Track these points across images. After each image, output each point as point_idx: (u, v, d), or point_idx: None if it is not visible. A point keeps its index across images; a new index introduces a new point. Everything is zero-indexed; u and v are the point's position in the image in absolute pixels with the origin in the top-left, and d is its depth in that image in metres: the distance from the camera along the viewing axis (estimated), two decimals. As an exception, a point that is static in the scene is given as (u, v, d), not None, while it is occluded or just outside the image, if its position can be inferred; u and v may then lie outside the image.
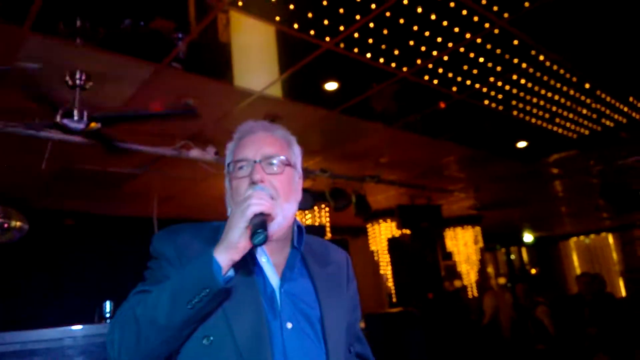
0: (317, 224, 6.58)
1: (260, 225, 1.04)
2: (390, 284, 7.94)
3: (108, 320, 3.72)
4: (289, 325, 1.14)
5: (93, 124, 2.91)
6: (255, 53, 3.29)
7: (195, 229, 1.23)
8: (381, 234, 7.99)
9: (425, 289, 4.63)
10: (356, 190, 5.62)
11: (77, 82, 2.95)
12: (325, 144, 5.02)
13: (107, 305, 3.73)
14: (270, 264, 1.20)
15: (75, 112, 2.90)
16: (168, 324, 1.01)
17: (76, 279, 5.93)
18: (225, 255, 1.04)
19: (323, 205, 6.69)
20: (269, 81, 3.52)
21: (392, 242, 5.47)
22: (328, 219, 6.82)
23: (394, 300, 7.98)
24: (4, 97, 3.26)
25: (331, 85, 3.64)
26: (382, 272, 8.05)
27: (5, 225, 4.75)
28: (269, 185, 1.17)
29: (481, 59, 3.43)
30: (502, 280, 12.24)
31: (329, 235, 6.53)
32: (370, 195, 6.03)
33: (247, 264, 1.14)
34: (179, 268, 1.11)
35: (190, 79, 3.35)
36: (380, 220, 7.99)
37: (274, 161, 1.21)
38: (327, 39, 2.99)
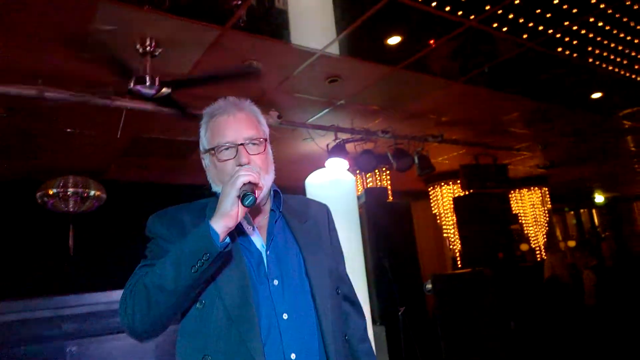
0: (378, 186, 6.54)
1: (248, 188, 1.16)
2: (454, 247, 7.82)
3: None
4: (275, 282, 1.26)
5: (164, 89, 2.98)
6: (315, 11, 3.24)
7: (182, 207, 1.36)
8: (443, 197, 7.84)
9: (494, 250, 4.50)
10: (418, 151, 5.49)
11: (148, 48, 3.03)
12: (387, 104, 4.91)
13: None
14: (255, 229, 1.32)
15: (147, 78, 2.98)
16: (175, 288, 1.14)
17: (143, 247, 6.26)
18: (221, 223, 1.15)
19: (384, 168, 6.62)
20: (330, 39, 3.46)
21: (457, 203, 5.34)
22: (389, 182, 6.76)
23: (459, 264, 7.88)
24: (80, 68, 3.41)
25: (394, 40, 3.52)
26: (445, 235, 7.94)
27: (85, 194, 5.06)
28: (253, 165, 1.28)
29: (555, 1, 3.18)
30: (571, 244, 11.75)
31: (390, 198, 6.48)
32: (432, 157, 5.88)
33: (232, 232, 1.22)
34: (176, 242, 1.23)
35: (252, 41, 3.35)
36: (443, 183, 7.83)
37: (256, 142, 1.32)
38: (392, -13, 2.87)
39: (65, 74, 3.46)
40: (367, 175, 6.54)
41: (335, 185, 5.30)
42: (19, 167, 5.56)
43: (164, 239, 1.28)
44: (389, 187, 6.65)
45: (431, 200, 8.07)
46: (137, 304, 1.16)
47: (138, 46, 3.07)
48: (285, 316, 1.23)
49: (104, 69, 3.30)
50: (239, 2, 2.93)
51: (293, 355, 1.20)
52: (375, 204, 5.56)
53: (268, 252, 1.30)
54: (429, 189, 8.08)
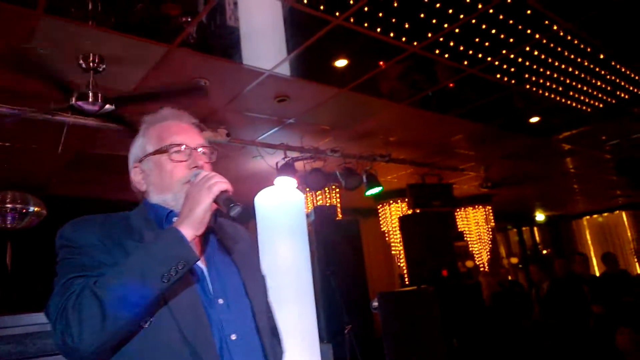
0: (327, 204, 6.62)
1: (230, 200, 1.10)
2: (402, 264, 8.00)
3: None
4: (220, 301, 1.20)
5: (107, 105, 2.94)
6: (264, 31, 3.30)
7: (104, 217, 1.25)
8: (392, 215, 8.03)
9: (438, 268, 4.66)
10: (367, 170, 5.63)
11: (91, 64, 2.99)
12: (335, 124, 5.02)
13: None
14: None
15: (90, 94, 2.93)
16: (140, 300, 1.03)
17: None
18: (191, 230, 1.09)
19: (334, 186, 6.73)
20: (278, 59, 3.53)
21: (403, 221, 5.50)
22: (339, 200, 6.86)
23: (407, 281, 8.05)
24: (20, 82, 3.31)
25: (341, 62, 3.63)
26: (393, 252, 8.11)
27: (24, 210, 4.85)
28: (207, 170, 1.24)
29: (493, 31, 3.40)
30: (514, 260, 12.26)
31: (339, 216, 6.57)
32: (380, 175, 6.04)
33: None
34: (108, 251, 1.13)
35: (200, 59, 3.36)
36: (391, 201, 8.02)
37: (206, 151, 1.30)
38: (337, 13, 2.98)
39: (5, 88, 3.35)
40: (317, 193, 6.62)
41: (284, 203, 5.34)
42: (-49, 182, 5.26)
43: (94, 247, 1.14)
44: (339, 205, 6.76)
45: (380, 218, 8.25)
46: (86, 320, 0.99)
47: (81, 62, 3.02)
48: (233, 337, 1.17)
49: (44, 83, 3.21)
50: (188, 20, 2.95)
51: None
52: (324, 221, 5.63)
53: (210, 270, 1.24)
54: (378, 207, 8.26)
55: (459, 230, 8.49)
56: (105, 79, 3.23)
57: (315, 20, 3.05)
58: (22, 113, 3.21)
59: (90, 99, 2.94)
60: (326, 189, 6.39)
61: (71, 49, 2.97)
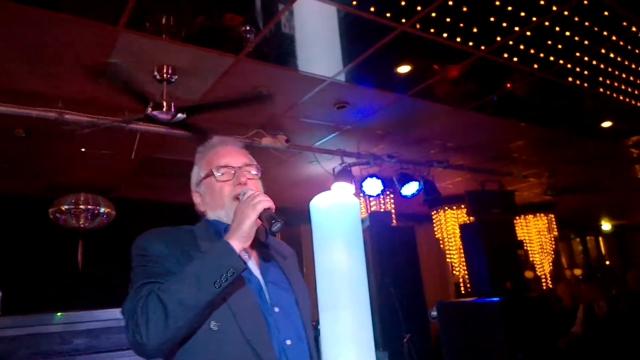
0: (382, 210, 6.57)
1: (273, 217, 1.21)
2: (457, 272, 7.80)
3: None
4: (276, 309, 1.33)
5: (179, 114, 3.07)
6: (326, 40, 3.33)
7: (174, 230, 1.41)
8: (447, 222, 7.86)
9: (501, 278, 4.50)
10: (424, 176, 5.55)
11: (165, 75, 3.13)
12: (392, 129, 4.99)
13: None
14: (250, 258, 1.39)
15: (164, 104, 3.07)
16: (196, 303, 1.16)
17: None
18: (239, 243, 1.21)
19: (387, 192, 6.67)
20: (340, 67, 3.56)
21: (464, 229, 5.36)
22: (393, 206, 6.79)
23: (462, 290, 7.83)
24: (99, 92, 3.52)
25: (404, 69, 3.61)
26: (448, 260, 7.93)
27: (95, 211, 5.14)
28: (252, 186, 1.40)
29: (567, 33, 3.27)
30: (577, 272, 11.65)
31: (394, 222, 6.51)
32: (437, 181, 5.93)
33: None
34: (173, 263, 1.27)
35: (264, 69, 3.45)
36: (446, 207, 7.85)
37: (252, 168, 1.45)
38: (403, 20, 2.97)
39: (84, 98, 3.58)
40: (371, 199, 6.58)
41: (340, 208, 5.34)
42: (34, 184, 5.66)
43: (164, 258, 1.29)
44: (393, 210, 6.69)
45: (434, 225, 8.09)
46: (152, 320, 1.14)
47: (155, 73, 3.18)
48: (288, 342, 1.30)
49: (121, 94, 3.40)
50: (250, 29, 3.03)
51: None
52: (380, 227, 5.59)
53: (265, 280, 1.37)
54: (432, 213, 8.10)
55: (519, 239, 8.17)
56: (176, 88, 3.38)
57: (380, 27, 3.05)
58: (101, 122, 3.40)
59: (164, 109, 3.08)
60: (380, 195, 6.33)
61: (147, 61, 3.13)
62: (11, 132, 4.04)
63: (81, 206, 5.17)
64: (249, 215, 1.21)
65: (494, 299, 4.32)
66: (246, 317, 1.24)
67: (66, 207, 5.10)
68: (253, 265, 1.39)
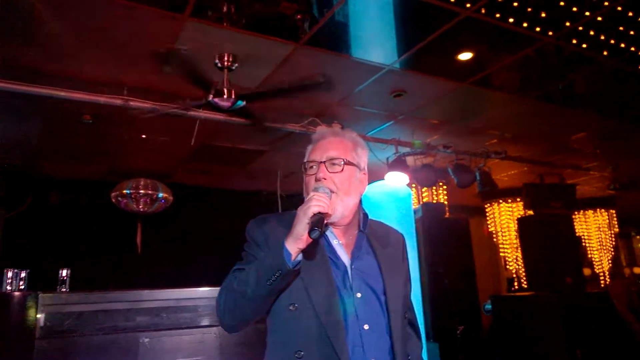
0: (434, 201, 6.46)
1: (317, 223, 1.26)
2: (510, 267, 7.57)
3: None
4: (359, 295, 1.39)
5: (239, 102, 3.11)
6: (387, 27, 3.27)
7: (279, 217, 1.50)
8: (501, 215, 7.62)
9: (561, 274, 4.34)
10: (480, 167, 5.39)
11: (225, 63, 3.18)
12: (448, 119, 4.87)
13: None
14: (340, 245, 1.46)
15: (225, 91, 3.13)
16: (254, 296, 1.31)
17: (206, 248, 6.49)
18: (293, 245, 1.28)
19: (440, 183, 6.54)
20: (400, 55, 3.49)
21: (522, 223, 5.18)
22: (446, 197, 6.66)
23: (515, 285, 7.59)
24: (162, 80, 3.63)
25: (465, 56, 3.50)
26: (502, 254, 7.70)
27: (154, 196, 5.33)
28: (330, 181, 1.43)
29: (641, 18, 3.07)
30: (637, 270, 11.03)
31: (447, 214, 6.38)
32: (492, 173, 5.75)
33: (322, 247, 1.41)
34: (265, 250, 1.40)
35: (322, 57, 3.44)
36: (501, 200, 7.61)
37: (336, 162, 1.46)
38: (468, 5, 2.87)
39: (147, 86, 3.69)
40: (423, 190, 6.48)
41: (393, 198, 5.29)
42: (97, 169, 5.94)
43: (257, 245, 1.44)
44: (446, 202, 6.56)
45: (487, 218, 7.87)
46: (226, 303, 1.35)
47: (217, 61, 3.23)
48: (366, 327, 1.37)
49: (182, 81, 3.49)
50: (308, 19, 3.02)
51: None
52: (433, 219, 5.51)
53: (352, 267, 1.43)
54: (486, 206, 7.88)
55: (577, 234, 7.81)
56: (235, 76, 3.42)
57: (443, 13, 2.97)
58: (163, 109, 3.51)
59: (225, 96, 3.14)
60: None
61: (209, 49, 3.19)
62: (79, 118, 4.24)
63: (141, 191, 5.37)
64: (301, 218, 1.28)
65: (553, 294, 4.18)
66: (321, 301, 1.33)
67: (127, 191, 5.32)
68: (342, 252, 1.46)
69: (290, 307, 1.35)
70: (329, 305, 1.33)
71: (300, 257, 1.30)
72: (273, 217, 1.52)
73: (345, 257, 1.45)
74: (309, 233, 1.25)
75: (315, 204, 1.28)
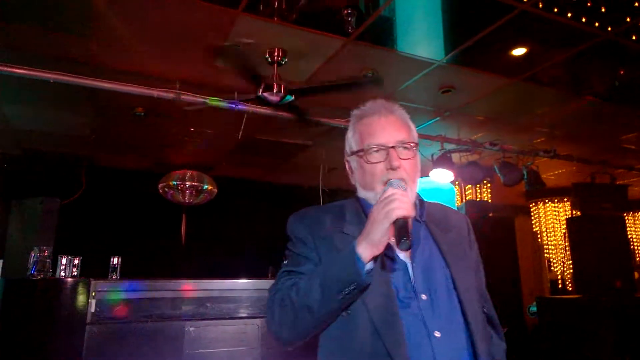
0: (478, 199, 6.33)
1: (403, 230, 1.09)
2: (555, 269, 7.35)
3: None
4: (424, 297, 1.18)
5: (288, 96, 3.15)
6: (438, 22, 3.23)
7: (321, 209, 1.36)
8: (547, 215, 7.40)
9: (611, 277, 4.18)
10: (527, 165, 5.24)
11: (276, 58, 3.22)
12: (496, 115, 4.76)
13: (287, 264, 4.11)
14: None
15: (274, 86, 3.16)
16: (321, 310, 1.13)
17: (247, 240, 6.60)
18: (368, 251, 1.11)
19: (485, 181, 6.40)
20: (450, 50, 3.44)
21: (571, 224, 5.02)
22: (489, 196, 6.52)
23: (560, 287, 7.37)
24: (212, 74, 3.71)
25: (519, 51, 3.41)
26: (546, 255, 7.49)
27: (200, 188, 5.47)
28: (403, 171, 1.24)
29: None
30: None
31: (490, 213, 6.24)
32: (540, 171, 5.58)
33: None
34: (314, 247, 1.25)
35: (371, 52, 3.43)
36: (547, 200, 7.39)
37: (407, 147, 1.27)
38: (525, -1, 2.80)
39: (198, 80, 3.78)
40: (466, 187, 6.36)
41: (436, 194, 5.24)
42: (146, 160, 6.13)
43: (303, 243, 1.27)
44: (490, 200, 6.42)
45: (532, 218, 7.66)
46: (283, 317, 1.17)
47: (267, 56, 3.27)
48: (437, 334, 1.14)
49: (232, 75, 3.55)
50: (355, 14, 3.01)
51: None
52: (477, 217, 5.41)
53: (413, 264, 1.23)
54: (531, 205, 7.66)
55: (628, 237, 7.50)
56: (284, 71, 3.46)
57: (498, 7, 2.90)
58: (213, 102, 3.58)
59: (274, 90, 3.18)
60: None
61: (260, 43, 3.23)
62: (132, 111, 4.39)
63: (187, 182, 5.52)
64: (381, 222, 1.10)
65: (603, 297, 4.04)
66: (379, 308, 1.14)
67: (174, 182, 5.47)
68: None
69: (343, 313, 1.16)
70: (386, 311, 1.13)
71: (371, 264, 1.12)
72: (314, 210, 1.37)
73: (403, 253, 1.22)
74: (399, 244, 1.09)
75: (399, 205, 1.10)
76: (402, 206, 1.10)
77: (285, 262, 1.30)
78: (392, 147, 1.26)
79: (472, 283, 1.27)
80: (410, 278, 1.21)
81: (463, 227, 1.41)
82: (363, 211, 1.32)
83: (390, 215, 1.09)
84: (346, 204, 1.37)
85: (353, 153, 1.34)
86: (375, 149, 1.26)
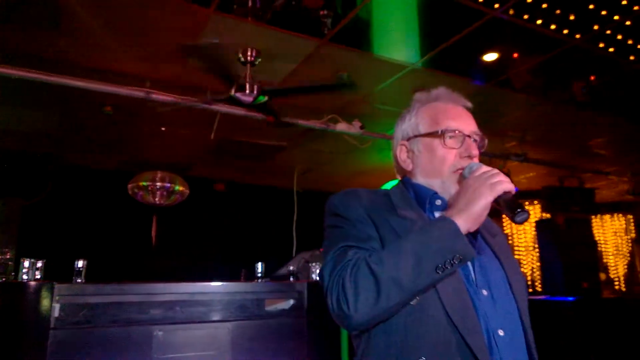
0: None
1: (515, 202, 1.04)
2: (525, 270, 7.50)
3: (260, 280, 4.06)
4: (485, 292, 1.11)
5: (261, 97, 3.11)
6: (412, 26, 3.24)
7: (371, 193, 1.24)
8: (517, 217, 7.53)
9: (577, 278, 4.29)
10: (499, 169, 5.32)
11: (249, 58, 3.17)
12: (469, 120, 4.82)
13: (260, 267, 4.07)
14: None
15: (247, 86, 3.12)
16: (412, 286, 1.01)
17: (222, 241, 6.52)
18: (466, 225, 1.05)
19: (458, 184, 6.47)
20: (423, 54, 3.46)
21: (540, 226, 5.13)
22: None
23: (530, 289, 7.53)
24: (184, 73, 3.64)
25: (490, 57, 3.46)
26: (516, 257, 7.64)
27: (171, 189, 5.36)
28: (477, 161, 1.20)
29: (674, 22, 3.00)
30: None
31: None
32: (511, 175, 5.70)
33: None
34: (374, 226, 1.14)
35: (345, 54, 3.42)
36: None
37: (481, 138, 1.25)
38: (496, 5, 2.83)
39: (169, 79, 3.71)
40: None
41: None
42: (114, 160, 5.98)
43: (360, 221, 1.15)
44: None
45: (504, 220, 7.80)
46: (362, 293, 1.01)
47: (240, 55, 3.23)
48: (501, 332, 1.08)
49: (204, 75, 3.49)
50: (331, 16, 3.00)
51: None
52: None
53: (475, 262, 1.16)
54: (502, 208, 7.80)
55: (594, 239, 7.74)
56: (258, 71, 3.42)
57: (470, 12, 2.93)
58: (184, 102, 3.52)
59: (247, 91, 3.14)
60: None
61: (232, 43, 3.18)
62: (101, 109, 4.26)
63: (158, 183, 5.40)
64: (485, 195, 1.04)
65: (569, 298, 4.13)
66: (450, 296, 1.05)
67: (144, 183, 5.35)
68: None
69: (413, 301, 1.05)
70: (460, 302, 1.05)
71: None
72: (363, 190, 1.24)
73: None
74: (514, 216, 1.02)
75: (504, 179, 1.06)
76: (507, 180, 1.07)
77: (335, 240, 1.15)
78: (468, 135, 1.23)
79: (521, 282, 1.22)
80: (470, 272, 1.14)
81: (502, 234, 1.36)
82: (417, 198, 1.25)
83: (496, 188, 1.05)
84: (390, 192, 1.27)
85: (419, 135, 1.27)
86: (451, 134, 1.22)
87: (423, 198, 1.23)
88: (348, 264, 1.05)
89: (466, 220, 1.05)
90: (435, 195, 1.22)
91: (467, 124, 1.25)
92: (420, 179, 1.27)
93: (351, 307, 1.01)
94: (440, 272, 1.01)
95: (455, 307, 1.04)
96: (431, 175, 1.24)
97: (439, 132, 1.23)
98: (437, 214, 1.21)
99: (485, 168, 1.12)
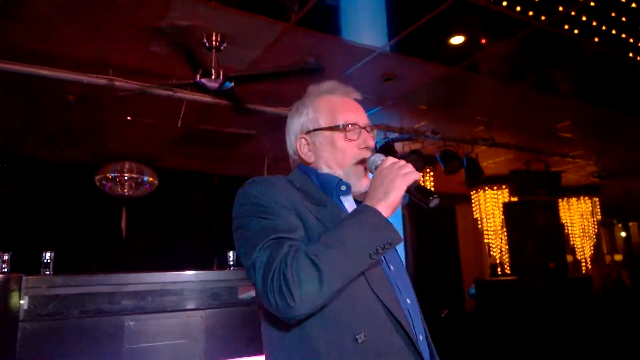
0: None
1: (426, 190, 1.15)
2: (494, 253, 7.67)
3: (232, 268, 4.03)
4: (392, 267, 1.24)
5: (227, 83, 3.05)
6: (378, 8, 3.24)
7: (279, 180, 1.24)
8: (487, 202, 7.69)
9: (544, 259, 4.40)
10: (467, 154, 5.41)
11: (214, 43, 3.11)
12: (437, 104, 4.86)
13: (231, 255, 4.04)
14: None
15: (213, 72, 3.06)
16: (351, 272, 1.08)
17: (190, 232, 6.45)
18: (387, 213, 1.13)
19: (428, 170, 6.55)
20: (392, 37, 3.46)
21: (507, 208, 5.24)
22: (433, 184, 6.68)
23: (499, 271, 7.71)
24: (147, 60, 3.54)
25: (457, 40, 3.48)
26: (486, 240, 7.79)
27: (140, 180, 5.25)
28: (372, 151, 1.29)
29: (634, 4, 3.07)
30: (618, 257, 11.30)
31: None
32: (479, 160, 5.79)
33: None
34: (297, 214, 1.15)
35: (313, 38, 3.38)
36: (487, 188, 7.67)
37: (373, 129, 1.34)
38: (461, -13, 2.84)
39: (133, 66, 3.61)
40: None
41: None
42: (80, 151, 5.82)
43: (285, 208, 1.16)
44: (433, 189, 6.58)
45: (473, 205, 7.94)
46: (305, 284, 1.03)
47: (205, 41, 3.16)
48: (408, 301, 1.21)
49: (169, 62, 3.41)
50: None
51: (421, 337, 1.18)
52: (419, 205, 5.52)
53: None
54: (472, 193, 7.94)
55: (561, 221, 7.95)
56: (224, 57, 3.36)
57: (435, -5, 2.94)
58: (148, 89, 3.43)
59: (212, 77, 3.08)
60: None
61: (197, 27, 3.11)
62: (63, 99, 4.13)
63: (126, 174, 5.28)
64: (399, 186, 1.13)
65: (537, 278, 4.24)
66: (373, 275, 1.14)
67: (112, 174, 5.22)
68: None
69: None
70: (379, 277, 1.16)
71: None
72: (275, 179, 1.24)
73: None
74: (429, 202, 1.11)
75: (413, 170, 1.15)
76: (414, 170, 1.16)
77: (258, 231, 1.13)
78: (364, 127, 1.30)
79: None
80: None
81: None
82: (322, 184, 1.29)
83: (408, 178, 1.14)
84: (291, 179, 1.28)
85: (319, 129, 1.31)
86: (350, 128, 1.29)
87: (329, 185, 1.29)
88: (286, 257, 1.06)
89: (386, 209, 1.13)
90: (340, 181, 1.29)
91: (362, 117, 1.32)
92: (324, 169, 1.32)
93: (296, 299, 1.02)
94: (373, 258, 1.10)
95: (378, 284, 1.15)
96: (334, 166, 1.31)
97: (340, 126, 1.29)
98: (342, 198, 1.29)
99: (392, 159, 1.20)
